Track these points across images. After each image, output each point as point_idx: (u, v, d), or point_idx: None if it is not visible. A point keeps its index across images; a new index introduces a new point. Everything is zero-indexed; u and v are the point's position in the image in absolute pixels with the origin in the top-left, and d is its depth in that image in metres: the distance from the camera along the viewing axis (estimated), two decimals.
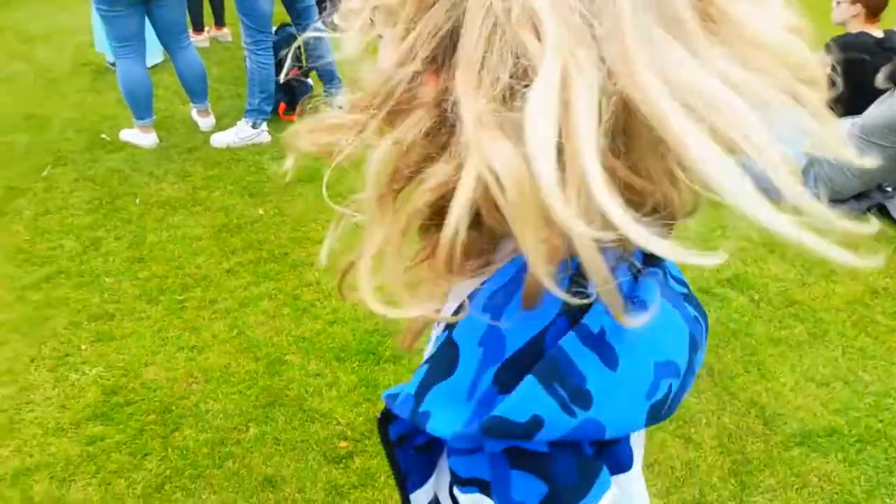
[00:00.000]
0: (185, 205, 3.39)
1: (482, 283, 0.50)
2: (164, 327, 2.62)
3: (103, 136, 4.05)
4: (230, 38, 5.70)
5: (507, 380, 0.47)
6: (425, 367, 0.51)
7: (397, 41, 0.47)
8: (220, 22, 5.70)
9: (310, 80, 4.52)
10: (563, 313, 0.48)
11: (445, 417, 0.48)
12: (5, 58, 5.34)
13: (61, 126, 4.22)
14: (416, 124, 0.46)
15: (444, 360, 0.50)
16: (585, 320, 0.47)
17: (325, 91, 4.32)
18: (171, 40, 3.79)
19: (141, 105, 3.81)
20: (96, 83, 4.89)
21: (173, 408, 2.30)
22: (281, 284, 2.85)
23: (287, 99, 4.27)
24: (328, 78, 4.26)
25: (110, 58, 4.95)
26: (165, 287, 2.83)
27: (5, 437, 2.21)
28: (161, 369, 2.44)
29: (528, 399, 0.45)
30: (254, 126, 3.96)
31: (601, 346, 0.47)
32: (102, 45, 5.04)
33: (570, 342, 0.46)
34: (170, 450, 2.15)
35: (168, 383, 2.38)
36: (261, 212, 3.35)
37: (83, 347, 2.54)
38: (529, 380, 0.45)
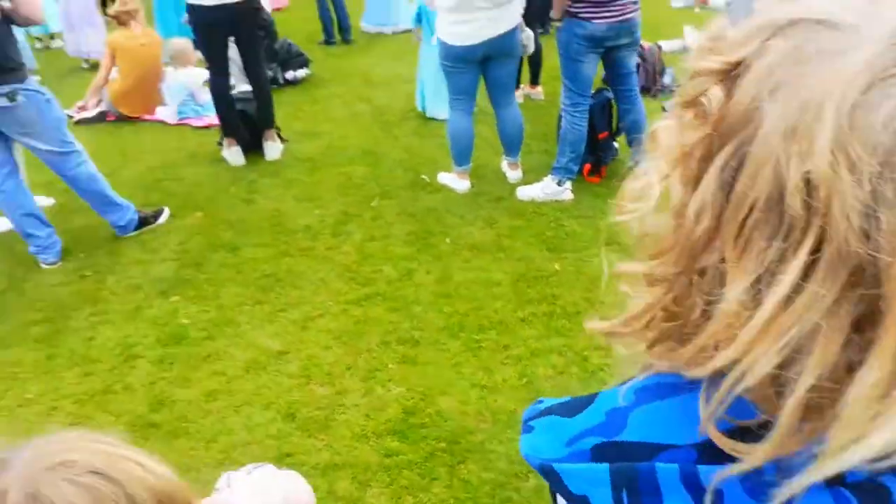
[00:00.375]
0: (490, 250, 3.61)
1: (651, 370, 0.52)
2: (461, 362, 2.80)
3: (423, 176, 4.49)
4: (542, 97, 5.99)
5: (602, 455, 0.48)
6: (570, 398, 0.55)
7: (688, 185, 0.47)
8: (535, 81, 6.03)
9: (616, 144, 4.58)
10: (698, 446, 0.45)
11: (538, 442, 0.53)
12: (353, 99, 6.17)
13: (390, 164, 4.75)
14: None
15: (580, 403, 0.53)
16: (704, 469, 0.44)
17: (632, 158, 4.34)
18: (499, 96, 4.11)
19: (462, 153, 4.17)
20: (421, 129, 5.43)
21: (461, 440, 2.43)
22: (571, 342, 2.89)
23: (593, 160, 4.37)
24: (637, 144, 4.27)
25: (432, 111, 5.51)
26: (465, 325, 3.02)
27: (321, 431, 2.50)
28: (454, 401, 2.60)
29: (589, 479, 0.48)
30: (559, 183, 4.10)
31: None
32: (421, 102, 5.63)
33: (667, 471, 0.45)
34: (455, 480, 2.28)
35: (459, 416, 2.53)
36: (557, 267, 3.45)
37: (390, 366, 2.81)
38: (604, 467, 0.47)
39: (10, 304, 3.38)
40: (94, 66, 7.57)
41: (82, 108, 5.94)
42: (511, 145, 4.29)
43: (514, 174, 4.39)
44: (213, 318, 3.17)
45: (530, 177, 4.37)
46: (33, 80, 3.32)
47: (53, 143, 3.44)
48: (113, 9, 5.99)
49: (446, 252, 3.61)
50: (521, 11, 3.93)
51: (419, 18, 5.36)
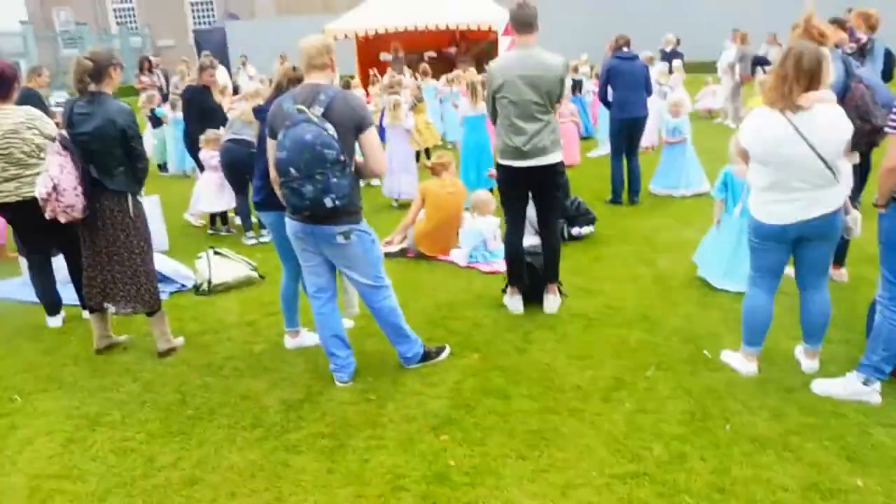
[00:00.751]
0: (776, 446, 3.26)
1: None
2: None
3: (705, 352, 4.26)
4: (846, 279, 5.47)
5: None
6: None
7: None
8: (839, 262, 5.53)
9: None
10: None
11: None
12: (635, 260, 6.18)
13: (668, 332, 4.60)
14: None
15: None
16: None
17: None
18: (809, 278, 3.84)
19: (755, 333, 3.92)
20: (704, 299, 5.21)
21: None
22: None
23: None
24: None
25: (722, 283, 5.29)
26: None
27: None
28: None
29: None
30: (865, 383, 3.63)
31: None
32: (705, 268, 5.44)
33: None
34: None
35: None
36: (859, 482, 2.99)
37: None
38: None
39: (305, 414, 3.77)
40: (402, 206, 8.56)
41: (388, 243, 6.66)
42: (812, 332, 3.93)
43: (809, 364, 3.99)
44: (477, 465, 3.22)
45: (828, 368, 3.94)
46: (365, 223, 3.83)
47: (370, 277, 3.89)
48: (430, 162, 6.80)
49: (724, 440, 3.33)
50: (847, 193, 3.68)
51: (724, 188, 5.27)
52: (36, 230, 4.87)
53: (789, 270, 4.04)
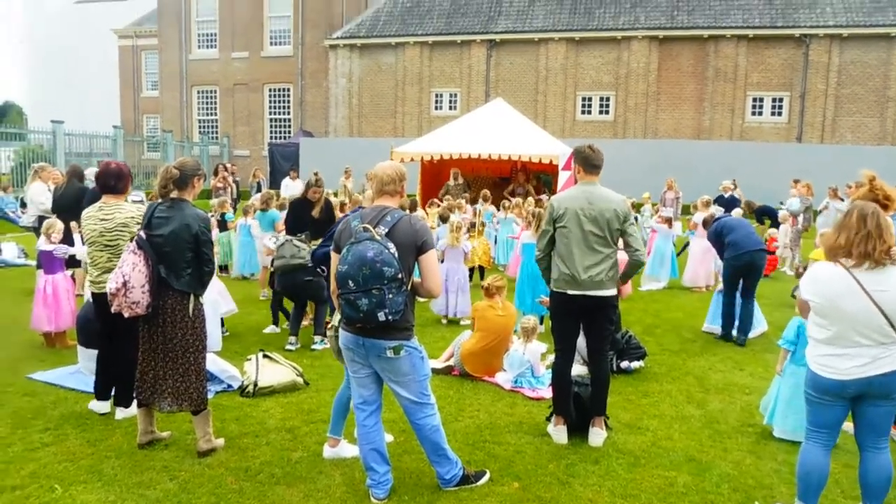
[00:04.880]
0: None
1: None
2: None
3: (756, 503, 4.05)
4: None
5: None
6: None
7: None
8: None
9: None
10: None
11: None
12: (683, 400, 6.01)
13: (718, 479, 4.40)
14: None
15: None
16: None
17: None
18: (868, 438, 3.68)
19: (810, 490, 3.72)
20: (757, 447, 5.00)
21: None
22: None
23: None
24: None
25: (781, 431, 5.09)
26: None
27: None
28: None
29: None
30: None
31: None
32: (769, 416, 5.23)
33: None
34: None
35: None
36: None
37: None
38: None
39: None
40: (451, 323, 8.62)
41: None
42: (872, 495, 3.70)
43: None
44: None
45: None
46: (415, 340, 3.88)
47: (415, 393, 3.90)
48: (486, 282, 6.89)
49: None
50: None
51: (794, 339, 5.05)
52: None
53: (848, 426, 3.88)
